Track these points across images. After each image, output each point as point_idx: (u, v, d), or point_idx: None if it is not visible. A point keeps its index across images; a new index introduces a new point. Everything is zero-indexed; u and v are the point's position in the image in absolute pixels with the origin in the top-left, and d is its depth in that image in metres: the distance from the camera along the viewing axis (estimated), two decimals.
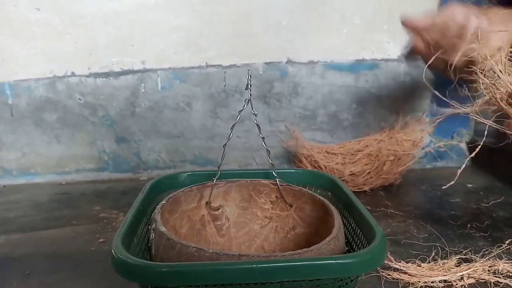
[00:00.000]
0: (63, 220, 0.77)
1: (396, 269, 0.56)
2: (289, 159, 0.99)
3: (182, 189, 0.54)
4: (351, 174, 0.88)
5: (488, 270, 0.56)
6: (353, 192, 0.88)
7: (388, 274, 0.55)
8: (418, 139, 0.93)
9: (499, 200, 0.83)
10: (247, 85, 0.53)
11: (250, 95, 0.53)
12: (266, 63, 0.95)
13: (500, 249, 0.60)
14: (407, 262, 0.57)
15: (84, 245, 0.68)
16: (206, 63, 0.93)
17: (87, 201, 0.86)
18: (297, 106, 0.98)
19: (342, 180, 0.87)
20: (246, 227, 0.59)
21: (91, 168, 0.97)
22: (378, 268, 0.56)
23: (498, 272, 0.56)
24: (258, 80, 0.95)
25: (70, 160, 0.96)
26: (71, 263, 0.62)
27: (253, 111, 0.54)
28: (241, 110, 0.53)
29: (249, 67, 0.94)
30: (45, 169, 0.96)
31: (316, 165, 0.89)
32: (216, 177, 0.56)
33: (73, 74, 0.92)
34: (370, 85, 0.98)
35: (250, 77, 0.52)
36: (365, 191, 0.88)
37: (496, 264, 0.57)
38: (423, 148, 0.98)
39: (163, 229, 0.42)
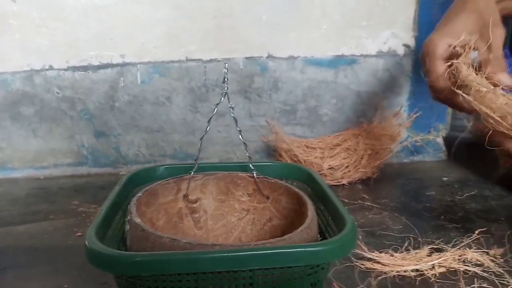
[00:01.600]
0: (40, 215, 0.76)
1: (369, 259, 0.58)
2: (269, 153, 1.00)
3: (159, 182, 0.54)
4: (329, 168, 0.89)
5: (458, 259, 0.58)
6: (332, 185, 0.90)
7: (362, 264, 0.57)
8: (395, 133, 0.95)
9: (472, 193, 0.86)
10: (224, 78, 0.53)
11: (227, 88, 0.53)
12: (246, 58, 0.95)
13: (470, 239, 0.62)
14: (380, 252, 0.59)
15: (61, 239, 0.67)
16: (186, 57, 0.93)
17: (65, 195, 0.85)
18: (277, 101, 0.99)
19: (321, 174, 0.89)
20: (223, 219, 0.59)
21: (69, 162, 0.96)
22: (352, 258, 0.58)
23: (467, 261, 0.58)
24: (238, 75, 0.96)
25: (48, 154, 0.95)
26: (48, 257, 0.62)
27: (230, 104, 0.54)
28: (218, 104, 0.53)
29: (229, 62, 0.94)
30: (22, 164, 0.95)
31: (295, 159, 0.90)
32: (194, 170, 0.56)
33: (51, 68, 0.90)
34: (349, 81, 1.00)
35: (227, 71, 0.53)
36: (343, 184, 0.90)
37: (465, 253, 0.59)
38: (400, 143, 1.00)
39: (137, 220, 0.43)
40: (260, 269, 0.36)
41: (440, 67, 0.62)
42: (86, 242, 0.37)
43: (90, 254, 0.36)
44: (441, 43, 0.63)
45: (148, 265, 0.35)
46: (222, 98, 0.53)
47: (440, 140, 1.08)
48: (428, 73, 0.64)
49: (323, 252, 0.36)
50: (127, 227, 0.44)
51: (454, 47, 0.62)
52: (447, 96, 0.63)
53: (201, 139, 0.54)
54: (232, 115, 0.54)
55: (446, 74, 0.62)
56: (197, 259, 0.35)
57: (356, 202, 0.81)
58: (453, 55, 0.62)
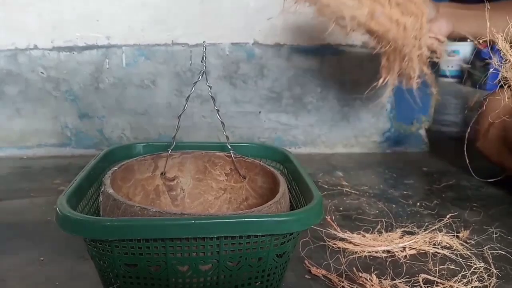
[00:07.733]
0: (22, 192, 0.77)
1: (342, 239, 0.59)
2: (253, 140, 1.01)
3: (136, 158, 0.55)
4: None
5: (429, 242, 0.60)
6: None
7: (334, 244, 0.58)
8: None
9: (450, 183, 0.88)
10: (203, 57, 0.54)
11: (205, 67, 0.54)
12: (232, 44, 0.96)
13: (441, 223, 0.63)
14: (352, 233, 0.60)
15: (40, 215, 0.68)
16: (172, 41, 0.93)
17: (47, 175, 0.86)
18: (263, 88, 1.00)
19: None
20: (200, 198, 0.60)
21: (53, 143, 0.96)
22: (324, 238, 0.59)
23: (437, 243, 0.59)
24: (224, 61, 0.96)
25: (32, 134, 0.95)
26: (26, 231, 0.62)
27: (208, 83, 0.55)
28: (196, 82, 0.54)
29: (215, 47, 0.95)
30: (6, 143, 0.95)
31: None
32: (171, 148, 0.57)
33: (35, 47, 0.90)
34: (334, 70, 1.01)
35: (205, 49, 0.54)
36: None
37: (436, 236, 0.60)
38: (383, 133, 1.02)
39: (110, 191, 0.43)
40: (227, 237, 0.37)
41: None
42: (57, 208, 0.38)
43: (60, 219, 0.37)
44: None
45: (116, 230, 0.36)
46: (200, 77, 0.53)
47: (422, 132, 1.10)
48: None
49: (288, 222, 0.37)
50: (101, 197, 0.45)
51: None
52: None
53: (179, 117, 0.55)
54: (210, 93, 0.55)
55: None
56: (165, 225, 0.36)
57: (335, 188, 0.83)
58: None
